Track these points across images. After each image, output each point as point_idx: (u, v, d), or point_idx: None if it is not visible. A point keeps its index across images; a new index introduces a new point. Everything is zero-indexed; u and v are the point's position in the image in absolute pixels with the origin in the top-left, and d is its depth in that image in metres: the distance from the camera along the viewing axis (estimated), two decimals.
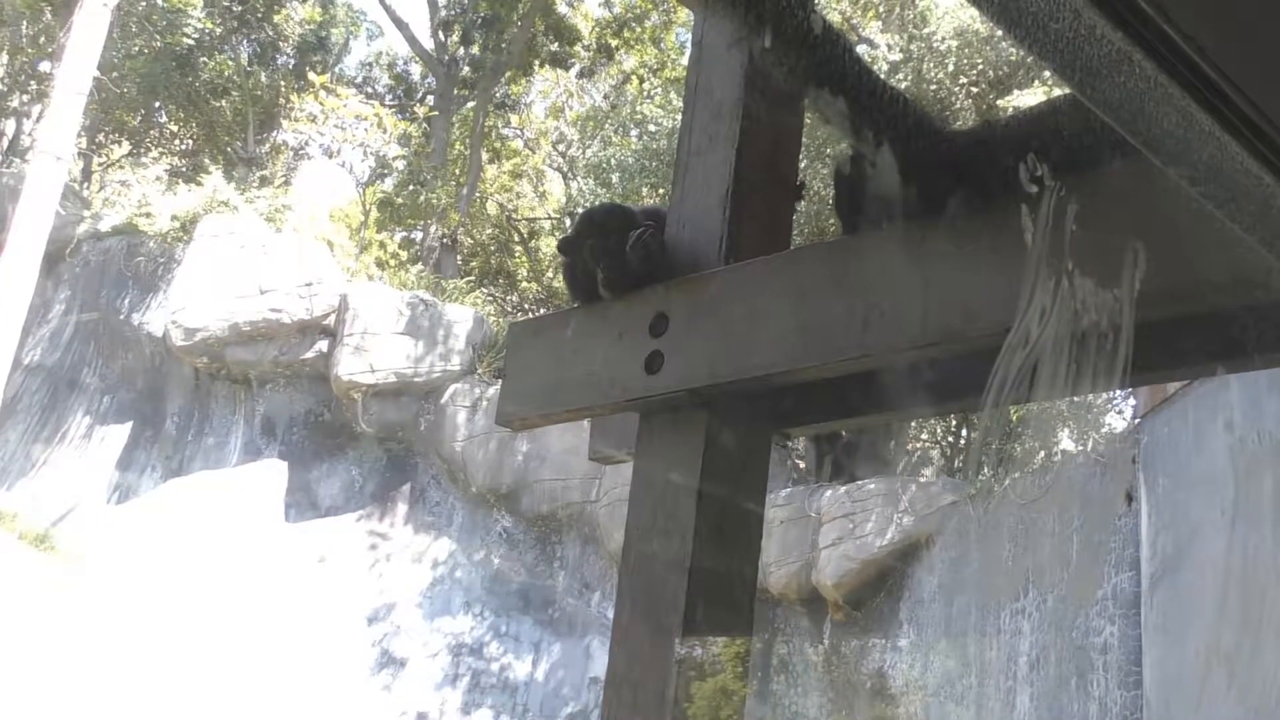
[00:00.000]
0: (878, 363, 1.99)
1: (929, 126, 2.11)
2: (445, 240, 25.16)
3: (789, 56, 2.17)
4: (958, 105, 15.90)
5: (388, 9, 26.59)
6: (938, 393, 2.17)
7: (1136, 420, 11.10)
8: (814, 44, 2.03)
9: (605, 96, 26.80)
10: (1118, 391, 13.62)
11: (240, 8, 25.94)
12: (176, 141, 28.40)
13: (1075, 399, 15.76)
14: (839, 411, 2.48)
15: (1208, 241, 1.47)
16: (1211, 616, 8.27)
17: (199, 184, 22.49)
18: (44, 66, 25.59)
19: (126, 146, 28.69)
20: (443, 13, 26.71)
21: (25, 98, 27.23)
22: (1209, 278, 1.53)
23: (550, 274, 28.96)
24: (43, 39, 25.16)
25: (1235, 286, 1.50)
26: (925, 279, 1.87)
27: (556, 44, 26.29)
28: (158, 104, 27.19)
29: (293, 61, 27.20)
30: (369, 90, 29.88)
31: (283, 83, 26.51)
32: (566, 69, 26.72)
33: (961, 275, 1.83)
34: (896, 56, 16.93)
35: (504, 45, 26.03)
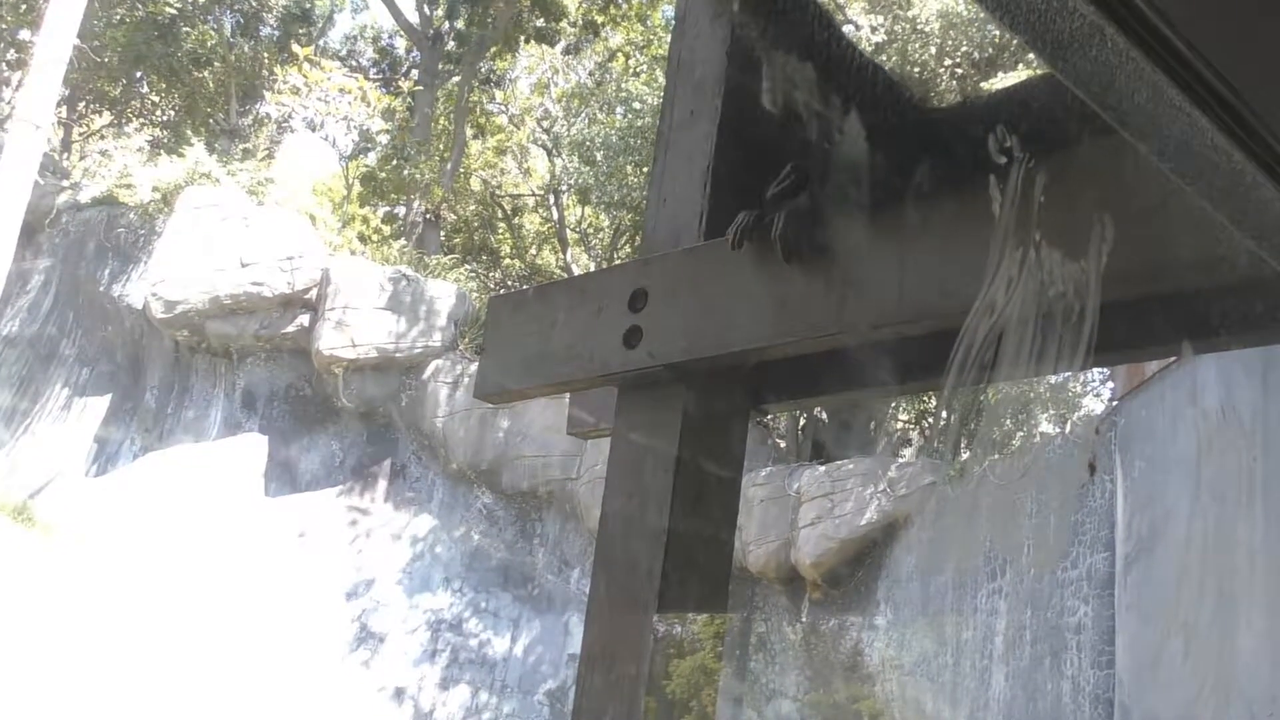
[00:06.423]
0: (854, 339, 1.99)
1: (899, 95, 2.11)
2: (428, 216, 25.04)
3: (759, 20, 2.16)
4: (942, 87, 15.90)
5: None
6: (915, 370, 2.18)
7: (1114, 402, 11.18)
8: (783, 8, 2.02)
9: (590, 73, 26.64)
10: (1088, 371, 13.68)
11: None
12: (158, 112, 28.12)
13: (1051, 380, 15.85)
14: (817, 388, 2.49)
15: (1177, 218, 1.48)
16: (1184, 596, 8.35)
17: (181, 155, 22.30)
18: (23, 34, 25.29)
19: (107, 116, 28.42)
20: None
21: (4, 66, 26.91)
22: (1177, 255, 1.54)
23: (533, 250, 28.89)
24: (23, 6, 24.85)
25: (1203, 264, 1.51)
26: (902, 256, 1.88)
27: (542, 20, 26.10)
28: (139, 74, 26.91)
29: (276, 33, 26.96)
30: (353, 63, 29.66)
31: (266, 54, 26.28)
32: (552, 45, 26.53)
33: (938, 252, 1.84)
34: (881, 38, 16.90)
35: (489, 20, 25.84)
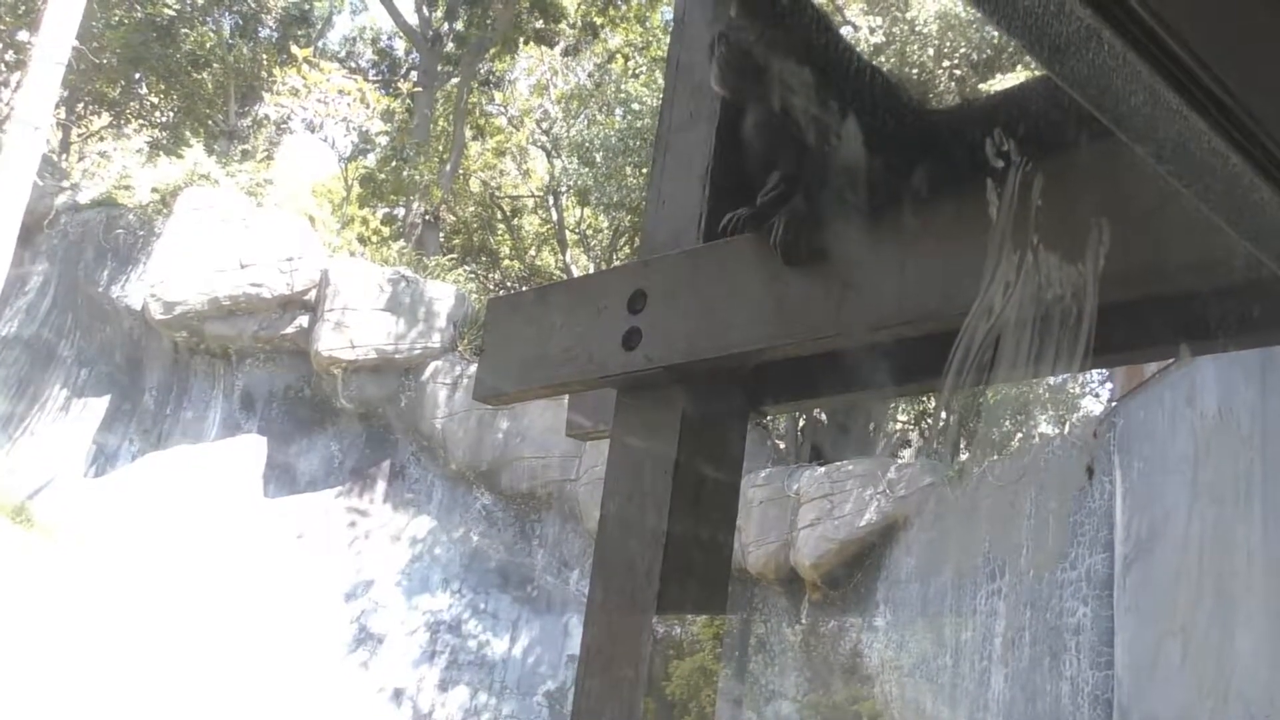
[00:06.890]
0: (854, 341, 1.99)
1: (897, 98, 2.11)
2: (427, 217, 25.03)
3: (756, 23, 2.16)
4: (940, 88, 15.90)
5: None
6: (914, 371, 2.18)
7: (1113, 404, 11.19)
8: (781, 12, 2.02)
9: (590, 75, 26.61)
10: (1087, 373, 13.68)
11: None
12: (157, 113, 28.06)
13: (1050, 381, 15.85)
14: (816, 390, 2.49)
15: (1174, 221, 1.48)
16: (1182, 597, 8.36)
17: (179, 157, 22.29)
18: (22, 35, 25.24)
19: (106, 118, 28.37)
20: None
21: (2, 67, 26.88)
22: (1175, 257, 1.54)
23: (532, 252, 28.87)
24: (21, 8, 24.82)
25: (1201, 266, 1.51)
26: (902, 259, 1.88)
27: (541, 21, 26.11)
28: (138, 75, 26.85)
29: (275, 35, 26.94)
30: (352, 65, 29.63)
31: (265, 56, 26.24)
32: (551, 47, 26.53)
33: (938, 255, 1.84)
34: (879, 39, 16.90)
35: (488, 21, 25.85)
